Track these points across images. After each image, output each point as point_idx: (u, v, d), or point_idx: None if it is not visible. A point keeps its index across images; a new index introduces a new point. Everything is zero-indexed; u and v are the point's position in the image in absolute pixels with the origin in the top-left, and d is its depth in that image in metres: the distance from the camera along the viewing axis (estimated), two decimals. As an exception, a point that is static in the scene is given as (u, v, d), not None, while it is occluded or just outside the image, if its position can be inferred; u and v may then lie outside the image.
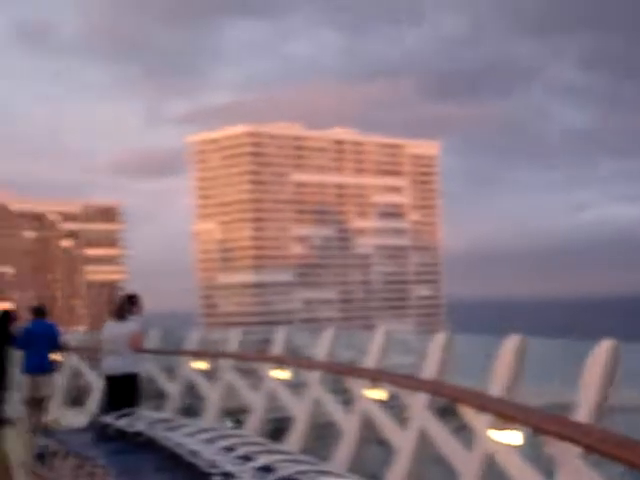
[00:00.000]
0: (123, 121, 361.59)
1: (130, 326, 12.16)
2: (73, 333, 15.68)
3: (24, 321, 15.65)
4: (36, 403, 13.74)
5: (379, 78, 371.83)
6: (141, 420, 10.16)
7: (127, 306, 12.36)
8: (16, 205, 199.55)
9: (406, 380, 8.64)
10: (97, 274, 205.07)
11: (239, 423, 11.81)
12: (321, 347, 10.10)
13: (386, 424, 8.74)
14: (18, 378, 15.17)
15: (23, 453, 12.74)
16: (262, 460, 7.95)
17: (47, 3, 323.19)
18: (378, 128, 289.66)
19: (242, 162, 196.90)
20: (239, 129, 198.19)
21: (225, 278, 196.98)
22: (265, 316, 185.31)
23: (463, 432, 7.96)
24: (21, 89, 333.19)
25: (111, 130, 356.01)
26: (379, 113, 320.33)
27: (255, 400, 11.23)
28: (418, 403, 8.16)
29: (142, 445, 9.47)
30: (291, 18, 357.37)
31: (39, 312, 14.22)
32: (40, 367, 13.68)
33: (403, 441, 8.32)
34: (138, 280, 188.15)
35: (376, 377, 8.88)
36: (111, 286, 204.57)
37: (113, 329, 12.23)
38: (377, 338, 9.30)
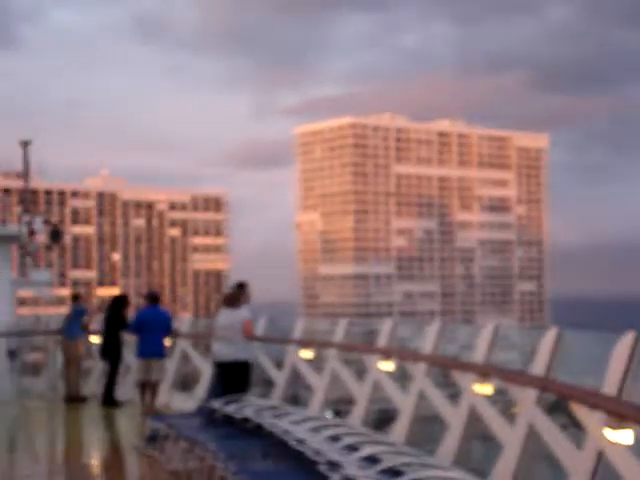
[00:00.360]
0: (234, 113, 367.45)
1: (242, 314, 12.40)
2: (183, 320, 16.07)
3: (134, 307, 16.18)
4: (148, 387, 14.13)
5: (488, 70, 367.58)
6: (249, 406, 10.33)
7: (238, 294, 12.60)
8: (126, 194, 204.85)
9: (516, 375, 8.59)
10: (203, 263, 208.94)
11: (338, 414, 11.94)
12: (427, 340, 10.11)
13: (494, 419, 8.70)
14: (131, 362, 15.68)
15: (134, 435, 13.16)
16: (367, 450, 7.99)
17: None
18: (486, 120, 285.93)
19: (345, 154, 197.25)
20: (342, 121, 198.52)
21: (326, 269, 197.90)
22: (365, 308, 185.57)
23: (571, 429, 7.87)
24: (137, 82, 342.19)
25: (222, 122, 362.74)
26: (487, 105, 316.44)
27: (360, 391, 11.31)
28: (527, 399, 8.11)
29: (249, 431, 9.63)
30: (401, 11, 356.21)
31: (152, 298, 14.63)
32: (153, 352, 14.08)
33: (510, 437, 8.27)
34: (242, 269, 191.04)
35: (485, 372, 8.84)
36: (216, 275, 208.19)
37: (226, 317, 12.49)
38: (485, 333, 9.25)
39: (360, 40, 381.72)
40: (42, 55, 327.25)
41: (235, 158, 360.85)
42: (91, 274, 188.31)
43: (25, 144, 18.18)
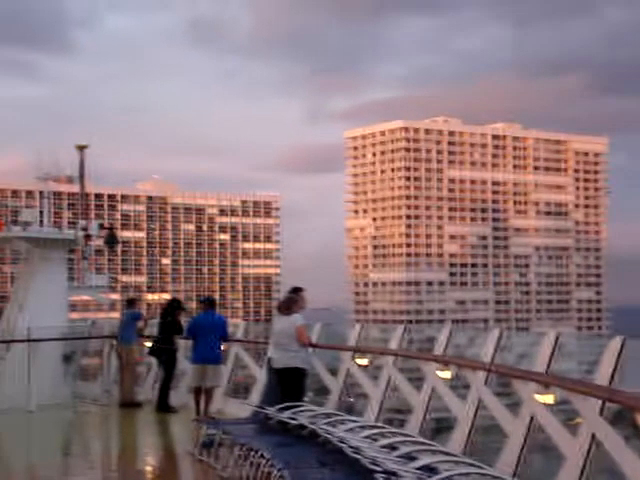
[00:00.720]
0: (286, 117, 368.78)
1: (295, 320, 12.33)
2: (237, 325, 16.05)
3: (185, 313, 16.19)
4: (202, 393, 14.11)
5: (545, 72, 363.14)
6: (304, 413, 10.26)
7: (293, 300, 12.54)
8: (177, 199, 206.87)
9: (579, 385, 8.39)
10: (252, 268, 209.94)
11: (390, 422, 11.76)
12: (486, 348, 9.93)
13: (555, 429, 8.50)
14: (186, 367, 15.70)
15: (188, 441, 13.16)
16: (424, 460, 7.86)
17: (220, 2, 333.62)
18: (542, 124, 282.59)
19: (397, 158, 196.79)
20: (394, 124, 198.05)
21: (377, 275, 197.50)
22: (416, 315, 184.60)
23: (635, 441, 7.65)
24: (189, 87, 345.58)
25: (274, 126, 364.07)
26: (544, 108, 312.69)
27: (417, 399, 11.16)
28: (590, 409, 7.91)
29: (304, 438, 9.56)
30: (457, 14, 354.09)
31: (208, 304, 14.63)
32: (208, 357, 14.05)
33: (573, 448, 8.07)
34: (291, 275, 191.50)
35: (547, 381, 8.66)
36: (266, 280, 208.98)
37: (280, 323, 12.43)
38: (547, 341, 9.07)
39: (415, 43, 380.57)
40: (97, 60, 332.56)
41: (287, 163, 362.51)
42: (141, 279, 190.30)
43: (81, 148, 18.37)
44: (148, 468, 12.38)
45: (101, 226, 18.34)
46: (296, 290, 12.77)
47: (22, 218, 17.83)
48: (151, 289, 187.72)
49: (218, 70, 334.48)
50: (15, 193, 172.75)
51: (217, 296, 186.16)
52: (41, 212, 18.07)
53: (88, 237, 17.73)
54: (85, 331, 18.27)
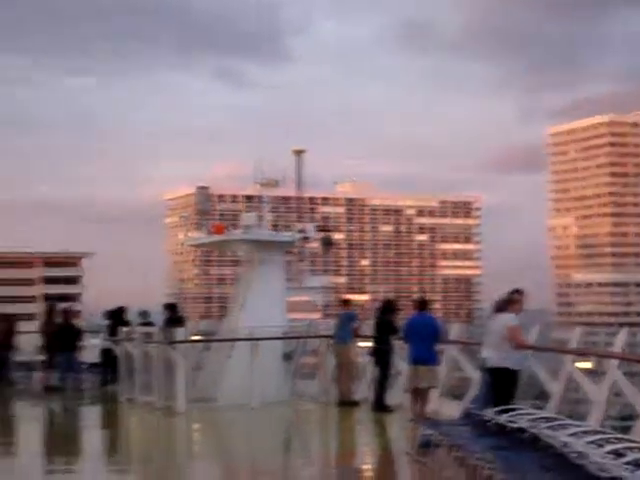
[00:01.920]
0: (496, 116, 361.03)
1: (506, 320, 12.17)
2: (452, 326, 15.99)
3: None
4: (419, 393, 14.19)
5: None
6: (523, 417, 10.08)
7: (509, 300, 12.38)
8: (375, 200, 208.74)
9: None
10: (452, 269, 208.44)
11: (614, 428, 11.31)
12: None
13: None
14: (402, 367, 15.84)
15: (405, 442, 13.27)
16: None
17: (428, 2, 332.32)
18: None
19: (600, 153, 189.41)
20: (597, 119, 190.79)
21: (582, 276, 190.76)
22: (624, 317, 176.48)
23: None
24: (397, 88, 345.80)
25: (482, 126, 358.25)
26: None
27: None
28: None
29: (523, 442, 9.38)
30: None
31: (421, 305, 14.71)
32: (423, 358, 14.11)
33: None
34: (492, 276, 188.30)
35: None
36: (466, 281, 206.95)
37: (494, 322, 12.35)
38: None
39: (636, 38, 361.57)
40: (311, 66, 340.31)
41: (492, 163, 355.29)
42: (341, 280, 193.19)
43: (298, 153, 18.95)
44: (365, 466, 12.58)
45: (318, 228, 18.83)
46: (516, 292, 12.60)
47: (243, 222, 18.62)
48: (351, 290, 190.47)
49: (427, 71, 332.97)
50: (234, 198, 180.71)
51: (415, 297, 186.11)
52: (260, 216, 18.74)
53: (305, 239, 18.25)
54: (303, 331, 18.78)
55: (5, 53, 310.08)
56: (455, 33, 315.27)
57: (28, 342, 23.60)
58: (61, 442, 14.67)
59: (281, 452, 13.82)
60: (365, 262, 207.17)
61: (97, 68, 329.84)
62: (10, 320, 22.73)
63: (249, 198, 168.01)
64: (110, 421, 17.46)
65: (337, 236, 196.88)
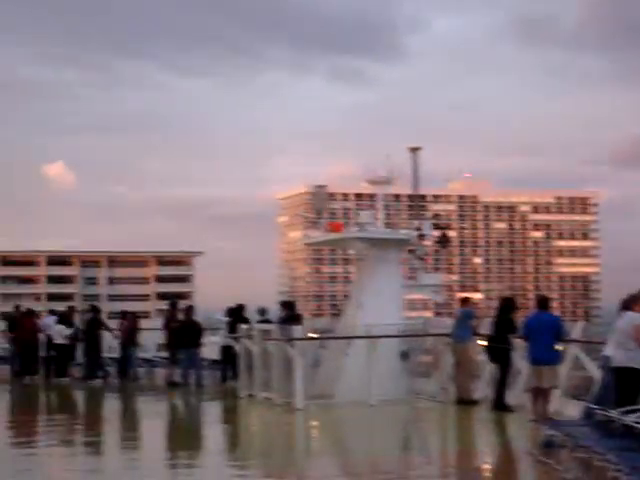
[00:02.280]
0: (615, 110, 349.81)
1: (634, 319, 11.86)
2: (575, 324, 15.64)
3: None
4: (540, 393, 13.94)
5: None
6: (650, 418, 9.76)
7: (635, 298, 12.06)
8: (489, 197, 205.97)
9: None
10: (568, 267, 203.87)
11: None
12: None
13: None
14: (522, 367, 15.58)
15: (526, 442, 13.04)
16: None
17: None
18: None
19: None
20: None
21: None
22: None
23: None
24: (513, 83, 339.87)
25: (600, 121, 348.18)
26: None
27: None
28: None
29: (652, 444, 9.11)
30: None
31: (542, 303, 14.44)
32: (543, 358, 13.85)
33: None
34: (610, 274, 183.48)
35: None
36: (583, 279, 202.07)
37: (621, 320, 12.05)
38: None
39: None
40: (427, 62, 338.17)
41: (612, 157, 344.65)
42: (453, 278, 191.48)
43: (414, 150, 18.88)
44: (486, 466, 12.41)
45: (435, 226, 18.73)
46: (644, 288, 12.24)
47: (359, 219, 18.69)
48: (463, 289, 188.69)
49: (544, 65, 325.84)
50: (345, 196, 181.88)
51: (532, 296, 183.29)
52: (374, 214, 18.77)
53: (421, 237, 18.18)
54: (420, 329, 18.71)
55: (133, 58, 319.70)
56: (574, 27, 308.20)
57: (150, 339, 24.34)
58: (183, 437, 15.00)
59: (400, 450, 13.78)
60: (478, 260, 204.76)
61: (213, 69, 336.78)
62: (133, 317, 23.44)
63: (359, 196, 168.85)
64: (230, 417, 17.78)
65: (449, 234, 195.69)
